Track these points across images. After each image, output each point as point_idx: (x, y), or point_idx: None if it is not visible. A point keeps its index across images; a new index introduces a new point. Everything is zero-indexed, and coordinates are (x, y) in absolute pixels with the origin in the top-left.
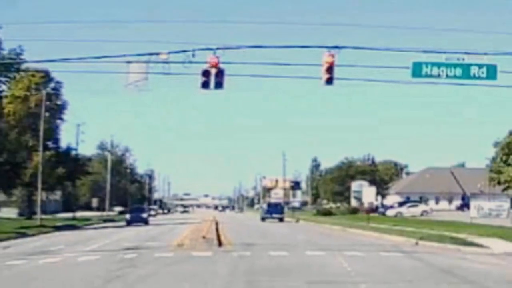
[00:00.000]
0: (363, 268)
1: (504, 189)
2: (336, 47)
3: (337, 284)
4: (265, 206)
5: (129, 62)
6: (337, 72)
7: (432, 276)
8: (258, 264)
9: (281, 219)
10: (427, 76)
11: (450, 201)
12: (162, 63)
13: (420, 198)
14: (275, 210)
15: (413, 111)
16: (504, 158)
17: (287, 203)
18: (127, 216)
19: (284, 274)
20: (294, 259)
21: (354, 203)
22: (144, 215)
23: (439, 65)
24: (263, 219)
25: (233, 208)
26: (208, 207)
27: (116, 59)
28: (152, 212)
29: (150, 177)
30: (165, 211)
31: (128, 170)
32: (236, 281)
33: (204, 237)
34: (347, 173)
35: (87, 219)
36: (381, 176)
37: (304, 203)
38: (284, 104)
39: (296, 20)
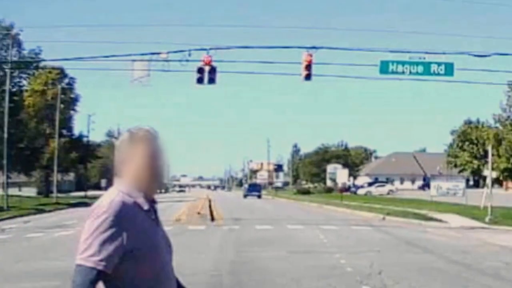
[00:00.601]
0: (337, 239)
1: (460, 171)
2: (313, 47)
3: (315, 254)
4: (246, 186)
5: (133, 60)
6: (314, 69)
7: (398, 247)
8: (246, 236)
9: (259, 196)
10: (393, 73)
11: (413, 181)
12: (162, 62)
13: (387, 179)
14: (254, 189)
15: (381, 103)
16: (459, 144)
17: (270, 183)
18: None
19: (268, 245)
20: (276, 232)
21: (329, 183)
22: None
23: (403, 63)
24: (245, 196)
25: (223, 187)
26: (202, 187)
27: (122, 58)
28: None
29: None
30: (163, 190)
31: None
32: (226, 251)
33: (198, 213)
34: (323, 157)
35: (97, 197)
36: (353, 160)
37: (285, 183)
38: (269, 97)
39: (278, 24)
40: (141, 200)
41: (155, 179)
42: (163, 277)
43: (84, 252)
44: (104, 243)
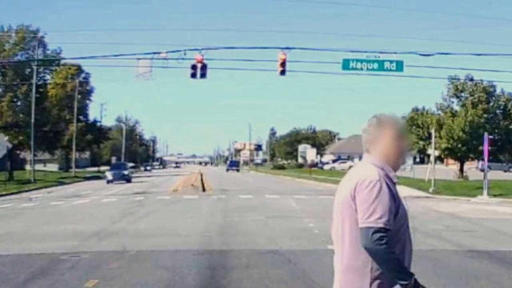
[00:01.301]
0: (307, 206)
1: (411, 151)
2: (287, 48)
3: (288, 218)
4: (228, 162)
5: (138, 58)
6: (288, 66)
7: None
8: (231, 204)
9: (237, 170)
10: (353, 69)
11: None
12: (162, 60)
13: (348, 156)
14: (234, 165)
15: (342, 94)
16: (408, 128)
17: (252, 160)
18: (108, 174)
19: (249, 211)
20: (257, 201)
21: (300, 160)
22: (126, 172)
23: (361, 61)
24: (227, 170)
25: (212, 163)
26: (194, 163)
27: (129, 57)
28: (156, 167)
29: (154, 141)
30: (161, 166)
31: (138, 137)
32: (215, 216)
33: (192, 185)
34: (295, 138)
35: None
36: (320, 141)
37: (264, 160)
38: (251, 89)
39: (259, 29)
40: (392, 174)
41: (400, 156)
42: (408, 237)
43: (371, 216)
44: (385, 206)
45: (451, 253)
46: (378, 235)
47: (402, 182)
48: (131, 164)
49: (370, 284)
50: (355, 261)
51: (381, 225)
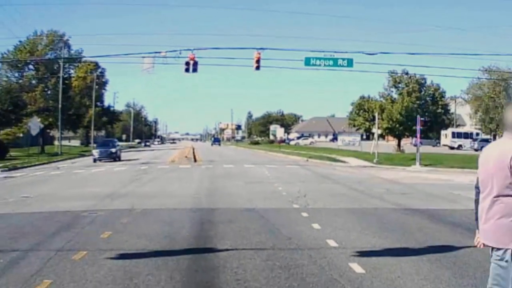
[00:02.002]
0: (276, 174)
1: (357, 129)
2: (261, 48)
3: (262, 183)
4: (212, 139)
5: (143, 57)
6: (262, 63)
7: (316, 178)
8: (217, 172)
9: (219, 144)
10: (313, 65)
11: (326, 136)
12: (162, 58)
13: (309, 134)
14: (217, 140)
15: (305, 84)
16: (356, 112)
17: (233, 137)
18: (94, 152)
19: (231, 177)
20: (237, 169)
21: (271, 137)
22: (114, 149)
23: (320, 58)
24: (212, 144)
25: (201, 140)
26: (187, 140)
27: (136, 55)
28: (155, 143)
29: (155, 122)
30: (161, 142)
31: (143, 119)
32: (204, 181)
33: (186, 157)
34: (267, 120)
35: (119, 146)
36: (287, 122)
37: (243, 137)
38: (232, 81)
39: (238, 33)
40: None
41: None
42: None
43: None
44: None
45: (390, 211)
46: None
47: (351, 155)
48: (137, 140)
49: None
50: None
51: None
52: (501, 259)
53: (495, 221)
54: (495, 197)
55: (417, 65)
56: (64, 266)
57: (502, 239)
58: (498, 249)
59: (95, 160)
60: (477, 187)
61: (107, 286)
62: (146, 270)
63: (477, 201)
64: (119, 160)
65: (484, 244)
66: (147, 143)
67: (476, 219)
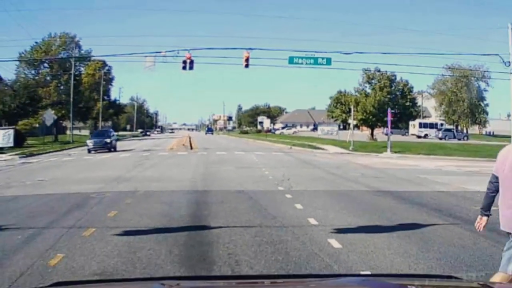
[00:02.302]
0: (263, 160)
1: (335, 120)
2: (250, 48)
3: (251, 168)
4: (206, 129)
5: (145, 56)
6: (250, 61)
7: (299, 164)
8: (210, 158)
9: (212, 133)
10: (296, 63)
11: (307, 126)
12: (162, 57)
13: (292, 125)
14: (210, 130)
15: (289, 80)
16: (334, 104)
17: (225, 127)
18: (88, 142)
19: (224, 163)
20: (228, 156)
21: (259, 127)
22: (108, 140)
23: (302, 58)
24: (206, 133)
25: (196, 130)
26: (184, 129)
27: (139, 55)
28: (155, 132)
29: (156, 114)
30: (160, 131)
31: (145, 111)
32: (199, 166)
33: (183, 145)
34: (255, 112)
35: (124, 135)
36: (273, 113)
37: (233, 127)
38: (225, 77)
39: (230, 35)
40: None
41: None
42: None
43: None
44: None
45: (364, 192)
46: None
47: (330, 143)
48: (140, 130)
49: None
50: None
51: None
52: None
53: None
54: None
55: (388, 63)
56: (75, 241)
57: None
58: None
59: (89, 151)
60: (491, 182)
61: (113, 259)
62: (148, 245)
63: (488, 194)
64: (115, 150)
65: (484, 227)
66: (147, 133)
67: (482, 208)
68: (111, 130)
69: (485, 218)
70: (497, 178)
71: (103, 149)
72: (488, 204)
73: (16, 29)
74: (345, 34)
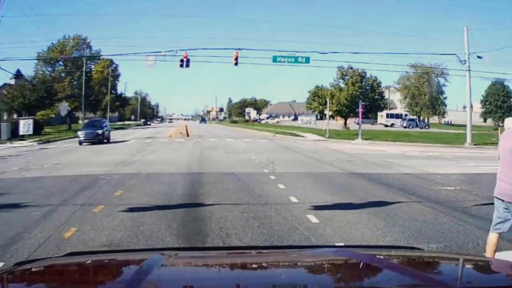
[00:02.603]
0: (250, 146)
1: (313, 112)
2: (239, 48)
3: (239, 153)
4: (200, 118)
5: (148, 55)
6: (239, 60)
7: (281, 149)
8: (204, 144)
9: (205, 123)
10: (279, 62)
11: (289, 116)
12: (162, 56)
13: (276, 115)
14: (203, 120)
15: (273, 76)
16: (313, 97)
17: (217, 117)
18: (80, 134)
19: (215, 148)
20: (220, 142)
21: (247, 117)
22: (100, 131)
23: (284, 57)
24: (200, 122)
25: (192, 119)
26: (182, 119)
27: (142, 54)
28: (155, 122)
29: (157, 106)
30: (160, 121)
31: (147, 103)
32: (195, 151)
33: (181, 133)
34: (243, 104)
35: (129, 125)
36: (259, 105)
37: (224, 118)
38: (217, 74)
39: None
40: None
41: None
42: None
43: None
44: None
45: (339, 174)
46: None
47: (308, 131)
48: (142, 120)
49: None
50: None
51: None
52: None
53: None
54: None
55: (359, 61)
56: (86, 217)
57: None
58: None
59: (80, 143)
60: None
61: (119, 232)
62: (150, 220)
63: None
64: (108, 142)
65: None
66: (148, 123)
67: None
68: (104, 120)
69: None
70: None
71: (94, 140)
72: None
73: (35, 32)
74: (322, 36)
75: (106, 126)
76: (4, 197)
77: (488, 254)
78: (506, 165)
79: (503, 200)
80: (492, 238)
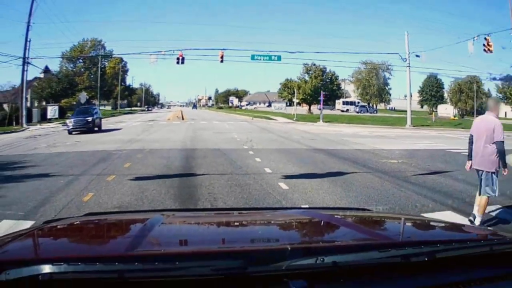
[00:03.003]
0: (233, 127)
1: (283, 99)
2: (224, 49)
3: (224, 133)
4: (192, 105)
5: (150, 54)
6: (224, 58)
7: (258, 130)
8: (196, 126)
9: (196, 109)
10: (256, 59)
11: (264, 103)
12: (162, 55)
13: (254, 102)
14: (194, 106)
15: (251, 72)
16: (284, 88)
17: (206, 104)
18: (68, 122)
19: (205, 129)
20: (209, 124)
21: (230, 104)
22: (90, 118)
23: (260, 55)
24: (192, 108)
25: (186, 106)
26: (178, 106)
27: (146, 53)
28: (156, 108)
29: (158, 95)
30: (159, 107)
31: (151, 93)
32: (189, 131)
33: (177, 117)
34: (228, 93)
35: (136, 110)
36: (240, 94)
37: (212, 105)
38: (206, 69)
39: (209, 38)
40: None
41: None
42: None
43: (501, 136)
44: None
45: (304, 150)
46: (503, 143)
47: (280, 115)
48: (146, 106)
49: (498, 162)
50: (491, 153)
51: (504, 140)
52: (487, 177)
53: (488, 157)
54: (484, 145)
55: (320, 59)
56: (101, 184)
57: (489, 166)
58: (487, 172)
59: (70, 132)
60: (470, 139)
61: (128, 197)
62: (152, 187)
63: (470, 146)
64: (100, 130)
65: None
66: (149, 109)
67: (469, 155)
68: (94, 107)
69: (469, 161)
70: (472, 136)
71: (83, 128)
72: (470, 152)
73: (60, 35)
74: (291, 39)
75: (96, 112)
76: (35, 168)
77: (480, 212)
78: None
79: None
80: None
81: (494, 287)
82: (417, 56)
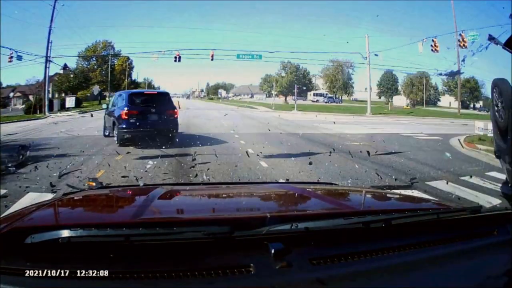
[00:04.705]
0: (221, 115)
1: (264, 92)
2: (214, 49)
3: (215, 120)
4: (187, 96)
5: (152, 53)
6: (215, 57)
7: (244, 118)
8: (190, 114)
9: (189, 99)
10: (241, 58)
11: (248, 95)
12: (162, 54)
13: (239, 94)
14: (188, 97)
15: (236, 69)
16: (263, 82)
17: (199, 96)
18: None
19: (197, 117)
20: (201, 112)
21: (219, 96)
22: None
23: (245, 54)
24: (186, 99)
25: (182, 97)
26: (176, 97)
27: (148, 53)
28: None
29: (159, 88)
30: None
31: (153, 86)
32: (184, 119)
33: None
34: (217, 87)
35: None
36: (227, 87)
37: (204, 96)
38: (199, 66)
39: (202, 41)
40: None
41: None
42: None
43: None
44: None
45: (282, 134)
46: None
47: (261, 105)
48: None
49: None
50: None
51: None
52: None
53: None
54: None
55: (295, 58)
56: (111, 162)
57: None
58: None
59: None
60: None
61: (133, 171)
62: (154, 164)
63: None
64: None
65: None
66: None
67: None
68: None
69: None
70: None
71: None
72: None
73: (76, 38)
74: (270, 40)
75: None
76: (56, 150)
77: None
78: None
79: None
80: None
81: (440, 248)
82: (376, 55)
